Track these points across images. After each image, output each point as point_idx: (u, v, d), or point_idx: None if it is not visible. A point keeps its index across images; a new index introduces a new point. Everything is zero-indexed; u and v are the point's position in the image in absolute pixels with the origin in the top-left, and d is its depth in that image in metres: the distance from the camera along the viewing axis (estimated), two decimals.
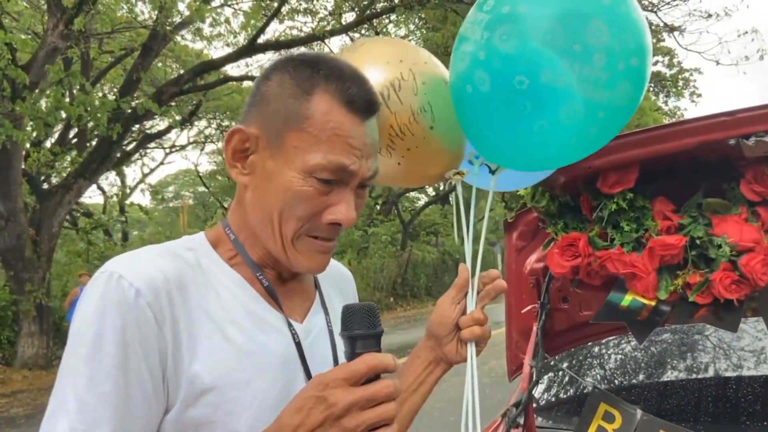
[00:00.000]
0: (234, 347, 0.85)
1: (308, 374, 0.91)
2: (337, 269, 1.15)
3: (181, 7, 12.10)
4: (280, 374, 0.89)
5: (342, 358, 0.80)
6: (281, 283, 0.96)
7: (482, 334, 1.14)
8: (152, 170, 23.73)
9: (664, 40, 20.83)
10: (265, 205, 0.87)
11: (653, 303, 1.72)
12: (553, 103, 1.14)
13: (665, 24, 15.24)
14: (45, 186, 12.45)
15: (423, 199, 27.83)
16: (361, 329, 0.79)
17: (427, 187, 27.23)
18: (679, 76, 24.17)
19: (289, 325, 0.92)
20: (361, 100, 0.87)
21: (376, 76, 1.14)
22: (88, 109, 9.00)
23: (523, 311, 2.05)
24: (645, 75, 1.21)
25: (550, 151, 1.24)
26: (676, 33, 14.89)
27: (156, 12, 11.06)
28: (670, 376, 2.46)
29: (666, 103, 26.65)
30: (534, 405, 2.13)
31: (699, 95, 25.33)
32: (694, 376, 2.41)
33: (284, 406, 0.79)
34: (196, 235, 0.95)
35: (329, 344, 0.98)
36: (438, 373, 1.16)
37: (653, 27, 18.41)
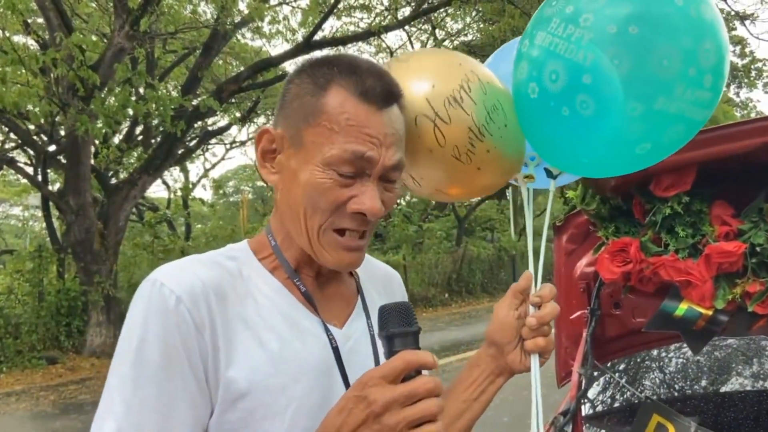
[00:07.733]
0: (269, 353, 0.86)
1: (345, 379, 0.91)
2: (383, 271, 1.15)
3: (241, 6, 12.36)
4: (317, 380, 0.89)
5: (384, 360, 0.80)
6: (320, 288, 0.97)
7: (546, 345, 1.07)
8: (213, 165, 24.34)
9: (735, 29, 19.87)
10: (293, 202, 0.89)
11: (710, 312, 1.65)
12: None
13: (736, 12, 14.52)
14: (112, 181, 12.94)
15: None
16: (397, 327, 0.79)
17: None
18: (752, 66, 23.02)
19: (327, 331, 0.92)
20: (377, 90, 0.87)
21: (443, 82, 1.07)
22: (159, 106, 9.34)
23: (572, 317, 1.99)
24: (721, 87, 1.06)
25: (621, 158, 1.10)
26: (747, 21, 14.14)
27: (217, 12, 11.32)
28: (726, 386, 2.35)
29: (738, 94, 25.47)
30: (583, 413, 2.07)
31: None
32: (752, 386, 2.29)
33: (323, 412, 0.80)
34: (240, 243, 0.98)
35: (371, 348, 0.97)
36: (500, 382, 1.11)
37: (723, 15, 17.56)
